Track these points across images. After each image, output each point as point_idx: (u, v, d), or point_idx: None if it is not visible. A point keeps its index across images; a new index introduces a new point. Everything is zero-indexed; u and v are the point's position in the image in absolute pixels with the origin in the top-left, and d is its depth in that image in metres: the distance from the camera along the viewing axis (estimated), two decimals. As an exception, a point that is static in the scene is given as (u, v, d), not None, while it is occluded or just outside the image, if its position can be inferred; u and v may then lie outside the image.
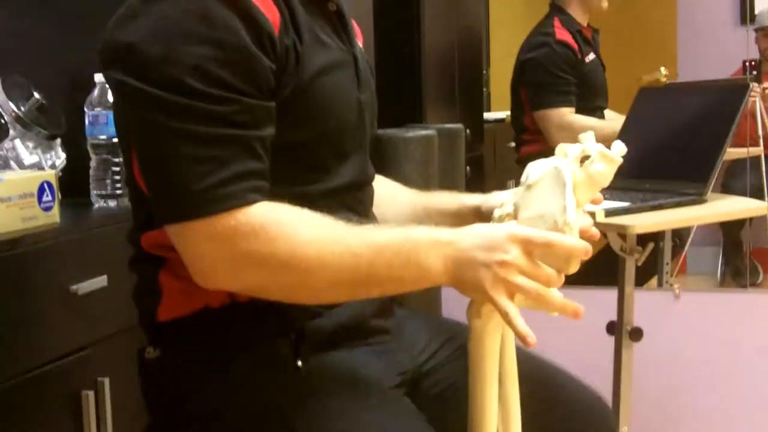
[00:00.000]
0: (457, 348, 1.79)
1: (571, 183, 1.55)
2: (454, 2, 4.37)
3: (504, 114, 5.31)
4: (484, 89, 5.22)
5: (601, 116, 4.37)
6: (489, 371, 1.62)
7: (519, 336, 1.50)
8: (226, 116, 1.48)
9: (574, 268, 1.53)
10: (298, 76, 1.58)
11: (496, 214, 1.68)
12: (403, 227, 1.58)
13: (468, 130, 3.67)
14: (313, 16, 1.66)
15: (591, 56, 4.37)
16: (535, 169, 1.63)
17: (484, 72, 5.25)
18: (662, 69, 5.59)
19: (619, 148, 1.59)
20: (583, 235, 1.59)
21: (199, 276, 1.53)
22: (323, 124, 1.64)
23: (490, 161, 4.74)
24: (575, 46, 4.33)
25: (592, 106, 4.35)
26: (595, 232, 1.64)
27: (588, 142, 1.60)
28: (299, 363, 1.62)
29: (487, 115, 5.07)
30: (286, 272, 1.51)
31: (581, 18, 4.41)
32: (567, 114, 4.22)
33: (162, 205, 1.53)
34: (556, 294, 1.52)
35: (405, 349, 1.78)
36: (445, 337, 1.85)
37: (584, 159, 1.59)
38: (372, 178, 1.84)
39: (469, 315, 1.60)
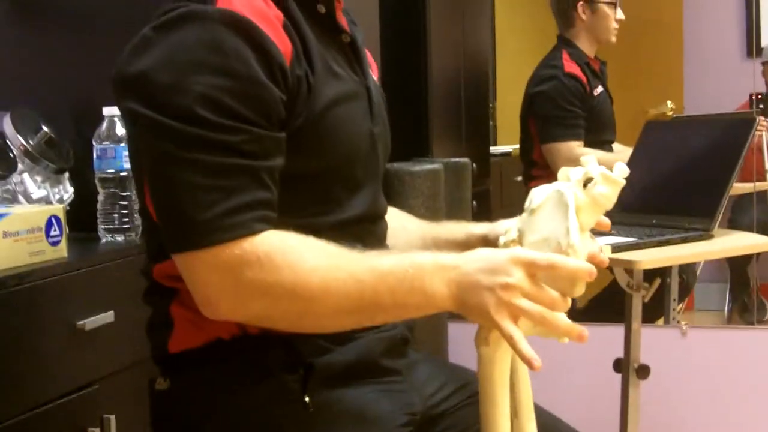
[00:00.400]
0: (470, 395, 1.78)
1: (574, 205, 1.55)
2: (460, 36, 4.38)
3: (511, 148, 5.31)
4: (491, 123, 5.23)
5: (609, 149, 4.35)
6: (499, 400, 1.61)
7: (524, 360, 1.48)
8: (234, 146, 1.49)
9: (579, 290, 1.52)
10: (310, 107, 1.59)
11: (501, 240, 1.68)
12: (407, 253, 1.57)
13: (474, 164, 3.68)
14: (326, 47, 1.66)
15: (599, 89, 4.37)
16: (538, 194, 1.62)
17: (491, 105, 5.25)
18: (668, 102, 5.59)
19: (622, 170, 1.58)
20: (592, 261, 1.58)
21: (204, 305, 1.53)
22: (334, 155, 1.64)
23: (496, 195, 4.73)
24: (584, 78, 4.33)
25: (600, 139, 4.34)
26: (604, 258, 1.63)
27: (590, 165, 1.59)
28: (307, 398, 1.62)
29: (493, 149, 5.07)
30: (290, 301, 1.50)
31: (589, 50, 4.41)
32: (575, 147, 4.21)
33: (169, 234, 1.54)
34: (561, 317, 1.51)
35: (416, 390, 1.77)
36: (459, 383, 1.83)
37: (587, 182, 1.58)
38: (385, 212, 1.84)
39: (477, 343, 1.59)
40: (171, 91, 1.49)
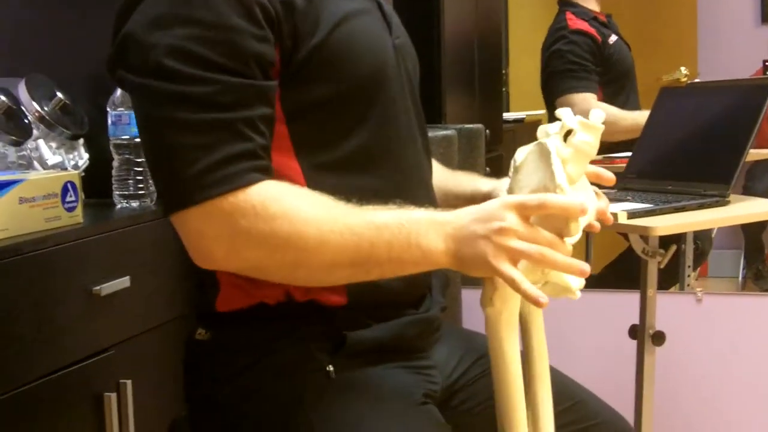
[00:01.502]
0: (488, 367, 1.79)
1: (555, 151, 1.53)
2: (473, 3, 4.37)
3: (524, 114, 5.31)
4: (503, 89, 5.22)
5: (633, 100, 4.33)
6: (509, 359, 1.60)
7: (529, 299, 1.46)
8: (210, 98, 1.46)
9: (575, 230, 1.51)
10: (316, 28, 1.55)
11: None
12: (404, 209, 1.54)
13: (488, 130, 3.67)
14: None
15: (613, 38, 4.35)
16: (520, 152, 1.61)
17: (503, 72, 5.24)
18: (682, 69, 5.57)
19: (598, 115, 1.57)
20: (598, 217, 1.58)
21: (197, 254, 1.52)
22: (357, 71, 1.60)
23: (509, 161, 4.73)
24: (592, 31, 4.31)
25: (622, 87, 4.32)
26: (608, 215, 1.63)
27: (565, 116, 1.58)
28: (330, 367, 1.62)
29: (506, 115, 5.07)
30: (285, 251, 1.49)
31: (593, 6, 4.40)
32: (590, 99, 4.19)
33: (161, 196, 1.54)
34: (559, 254, 1.49)
35: (438, 367, 1.76)
36: (477, 354, 1.83)
37: (567, 135, 1.57)
38: (425, 132, 1.80)
39: (482, 303, 1.58)
40: (144, 48, 1.48)
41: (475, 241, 1.49)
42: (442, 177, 1.94)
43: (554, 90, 4.32)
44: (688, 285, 3.93)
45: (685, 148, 2.77)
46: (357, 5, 1.65)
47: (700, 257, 4.14)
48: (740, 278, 5.41)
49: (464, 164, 3.37)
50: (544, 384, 1.68)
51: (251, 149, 1.49)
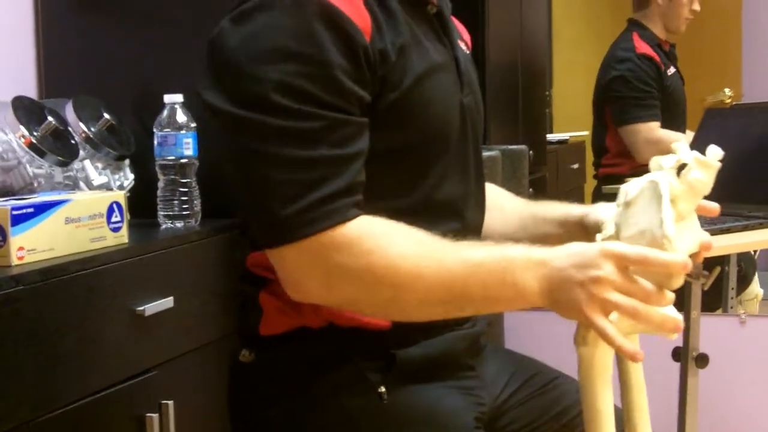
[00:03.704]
0: (538, 387, 1.78)
1: (668, 194, 1.50)
2: (517, 24, 4.37)
3: (567, 135, 5.30)
4: (547, 110, 5.21)
5: (683, 130, 4.31)
6: (601, 400, 1.57)
7: (625, 354, 1.46)
8: (313, 135, 1.48)
9: (677, 283, 1.48)
10: (400, 80, 1.57)
11: (598, 238, 1.62)
12: (499, 245, 1.54)
13: (531, 152, 3.67)
14: (412, 19, 1.64)
15: (672, 69, 4.33)
16: (632, 187, 1.58)
17: (547, 93, 5.24)
18: (726, 90, 5.55)
19: (715, 152, 1.53)
20: (702, 247, 1.56)
21: (293, 290, 1.53)
22: (427, 127, 1.62)
23: (552, 183, 4.72)
24: (657, 58, 4.29)
25: (674, 120, 4.30)
26: (710, 241, 1.60)
27: (681, 150, 1.54)
28: (382, 389, 1.62)
29: (549, 137, 5.06)
30: (380, 287, 1.50)
31: (660, 33, 4.37)
32: (655, 128, 4.16)
33: (257, 230, 1.55)
34: (654, 309, 1.47)
35: (486, 387, 1.76)
36: (526, 375, 1.83)
37: (681, 169, 1.53)
38: (482, 183, 1.80)
39: (576, 342, 1.56)
40: (248, 81, 1.49)
41: (571, 286, 1.48)
42: (523, 205, 1.93)
43: (619, 117, 4.29)
44: (732, 307, 3.90)
45: (730, 169, 2.75)
46: (438, 59, 1.66)
47: (744, 280, 4.11)
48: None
49: (508, 185, 3.36)
50: (642, 418, 1.65)
51: (351, 185, 1.50)
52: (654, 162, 1.57)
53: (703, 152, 1.53)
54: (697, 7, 4.35)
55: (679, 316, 1.49)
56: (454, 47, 1.73)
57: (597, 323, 1.46)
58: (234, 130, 1.52)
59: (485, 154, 3.21)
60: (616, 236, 1.57)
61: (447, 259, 1.50)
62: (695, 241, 1.56)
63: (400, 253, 1.49)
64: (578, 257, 1.49)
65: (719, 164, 1.53)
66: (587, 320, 1.47)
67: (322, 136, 1.48)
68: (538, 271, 1.50)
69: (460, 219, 1.70)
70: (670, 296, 1.49)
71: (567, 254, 1.51)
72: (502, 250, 1.53)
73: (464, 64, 1.75)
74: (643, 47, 4.28)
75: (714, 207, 1.64)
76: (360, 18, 1.53)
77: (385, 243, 1.49)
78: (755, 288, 4.20)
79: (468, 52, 1.85)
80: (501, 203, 1.93)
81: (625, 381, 1.66)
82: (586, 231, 1.73)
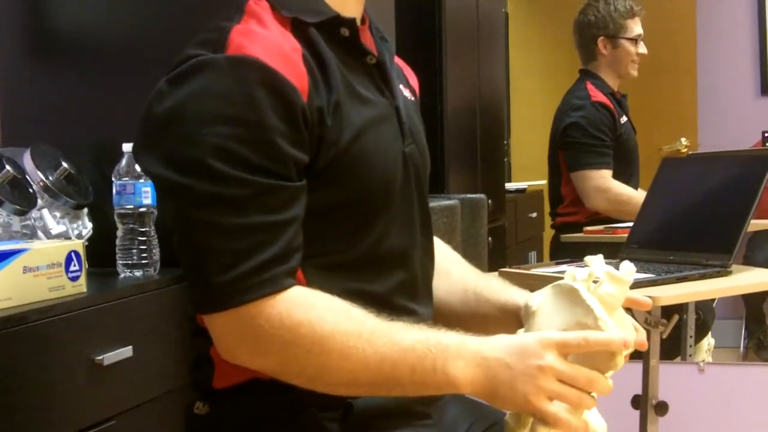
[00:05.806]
0: None
1: (585, 287, 1.52)
2: (475, 73, 4.40)
3: (525, 184, 5.33)
4: (505, 159, 5.24)
5: (635, 182, 4.33)
6: None
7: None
8: (249, 202, 1.47)
9: (619, 363, 1.49)
10: (339, 137, 1.56)
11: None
12: (433, 330, 1.53)
13: (490, 200, 3.69)
14: (350, 71, 1.63)
15: (624, 119, 4.37)
16: (535, 298, 1.62)
17: (505, 142, 5.27)
18: (682, 140, 5.61)
19: (628, 269, 1.55)
20: (637, 348, 1.55)
21: (223, 352, 1.53)
22: (369, 182, 1.61)
23: (511, 231, 4.75)
24: (611, 106, 4.32)
25: (625, 170, 4.32)
26: (643, 340, 1.60)
27: (594, 264, 1.56)
28: None
29: (507, 186, 5.08)
30: (306, 361, 1.49)
31: (612, 83, 4.41)
32: (607, 176, 4.17)
33: (191, 293, 1.54)
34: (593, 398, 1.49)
35: None
36: (487, 423, 1.81)
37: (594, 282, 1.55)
38: (430, 241, 1.80)
39: (512, 428, 1.56)
40: (184, 144, 1.47)
41: (512, 377, 1.48)
42: (472, 277, 1.91)
43: (571, 162, 4.29)
44: (690, 355, 3.92)
45: (687, 218, 2.78)
46: (377, 111, 1.65)
47: (703, 328, 4.13)
48: (742, 348, 5.40)
49: (467, 233, 3.38)
50: None
51: (284, 252, 1.49)
52: (568, 275, 1.58)
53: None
54: (643, 50, 4.39)
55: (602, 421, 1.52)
56: (395, 97, 1.72)
57: (548, 412, 1.47)
58: (169, 195, 1.51)
59: (444, 203, 3.22)
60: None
61: (377, 341, 1.49)
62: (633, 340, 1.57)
63: (329, 331, 1.48)
64: (517, 348, 1.50)
65: (632, 280, 1.55)
66: (535, 410, 1.48)
67: (257, 202, 1.47)
68: (472, 360, 1.50)
69: (407, 269, 1.69)
70: (609, 382, 1.50)
71: (504, 345, 1.51)
72: (436, 336, 1.52)
73: (405, 113, 1.73)
74: (597, 95, 4.31)
75: (646, 301, 1.67)
76: (297, 78, 1.52)
77: (315, 317, 1.48)
78: (707, 338, 4.23)
79: (413, 98, 1.85)
80: (448, 267, 1.91)
81: None
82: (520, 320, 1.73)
